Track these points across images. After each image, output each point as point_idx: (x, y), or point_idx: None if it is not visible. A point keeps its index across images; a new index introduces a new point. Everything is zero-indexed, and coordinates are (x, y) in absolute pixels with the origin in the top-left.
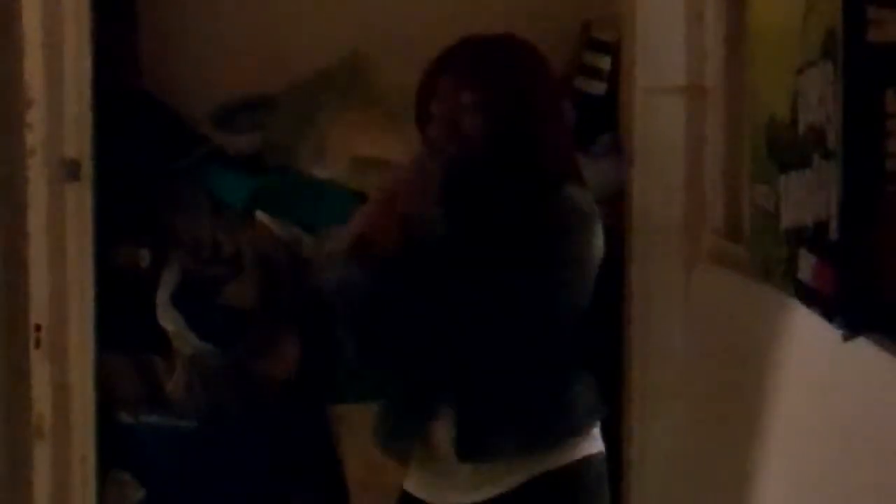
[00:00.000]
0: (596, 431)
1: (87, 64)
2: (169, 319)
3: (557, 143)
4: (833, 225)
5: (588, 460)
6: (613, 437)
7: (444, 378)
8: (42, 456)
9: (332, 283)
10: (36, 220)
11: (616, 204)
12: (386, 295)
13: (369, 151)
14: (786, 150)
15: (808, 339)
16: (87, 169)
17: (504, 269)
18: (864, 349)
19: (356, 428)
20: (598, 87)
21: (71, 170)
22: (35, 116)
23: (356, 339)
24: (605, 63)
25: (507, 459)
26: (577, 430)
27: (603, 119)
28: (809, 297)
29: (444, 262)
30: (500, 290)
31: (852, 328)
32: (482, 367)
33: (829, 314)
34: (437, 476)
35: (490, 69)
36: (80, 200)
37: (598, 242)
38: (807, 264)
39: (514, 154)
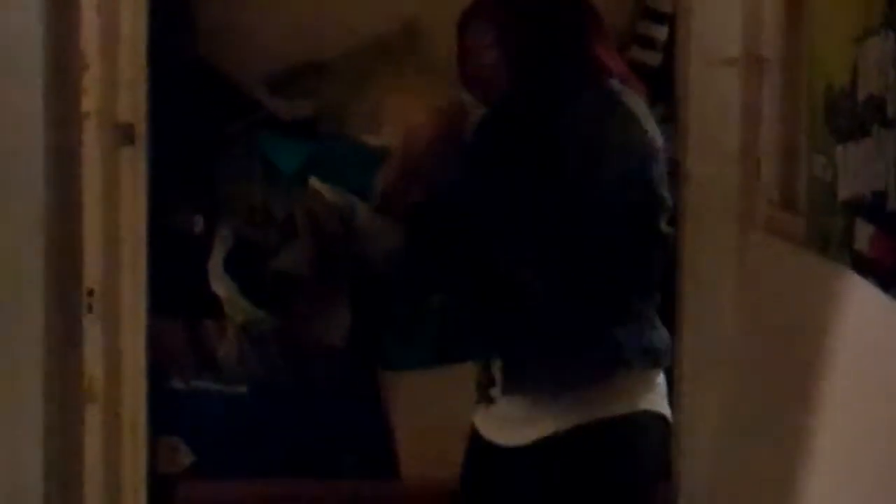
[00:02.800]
0: (659, 389)
1: (142, 29)
2: (221, 285)
3: (585, 66)
4: (892, 195)
5: (648, 414)
6: None
7: (491, 314)
8: (93, 419)
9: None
10: (90, 184)
11: (670, 174)
12: (419, 242)
13: (424, 119)
14: (844, 119)
15: (865, 310)
16: (142, 134)
17: (541, 181)
18: None
19: (405, 394)
20: (654, 58)
21: (125, 134)
22: (90, 81)
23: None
24: (660, 33)
25: (549, 394)
26: (622, 370)
27: (658, 90)
28: (866, 267)
29: (476, 199)
30: (543, 204)
31: None
32: (528, 297)
33: (886, 284)
34: (493, 414)
35: (503, 8)
36: (135, 165)
37: (641, 136)
38: (864, 234)
39: (537, 84)
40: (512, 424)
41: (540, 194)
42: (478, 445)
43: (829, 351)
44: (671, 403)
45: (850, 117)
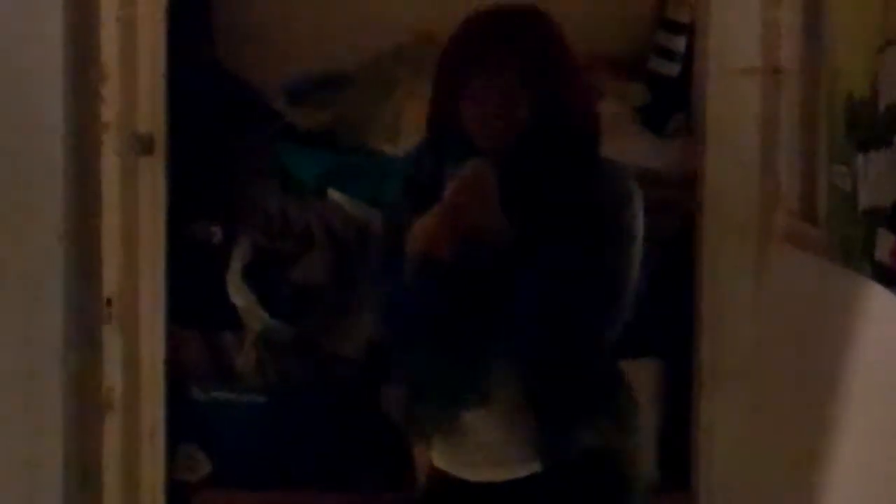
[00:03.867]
0: None
1: (161, 39)
2: (240, 295)
3: (587, 107)
4: None
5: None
6: (683, 418)
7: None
8: (112, 428)
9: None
10: (109, 194)
11: (688, 185)
12: (450, 304)
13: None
14: (865, 129)
15: (885, 320)
16: (161, 143)
17: (570, 254)
18: None
19: None
20: (672, 69)
21: (144, 144)
22: (109, 91)
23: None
24: (679, 44)
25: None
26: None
27: (676, 100)
28: (887, 277)
29: (510, 261)
30: (570, 277)
31: None
32: (552, 367)
33: None
34: (471, 455)
35: (515, 57)
36: (154, 175)
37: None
38: (885, 244)
39: (553, 128)
40: (500, 463)
41: (564, 257)
42: (446, 484)
43: (850, 361)
44: (690, 419)
45: (870, 127)
